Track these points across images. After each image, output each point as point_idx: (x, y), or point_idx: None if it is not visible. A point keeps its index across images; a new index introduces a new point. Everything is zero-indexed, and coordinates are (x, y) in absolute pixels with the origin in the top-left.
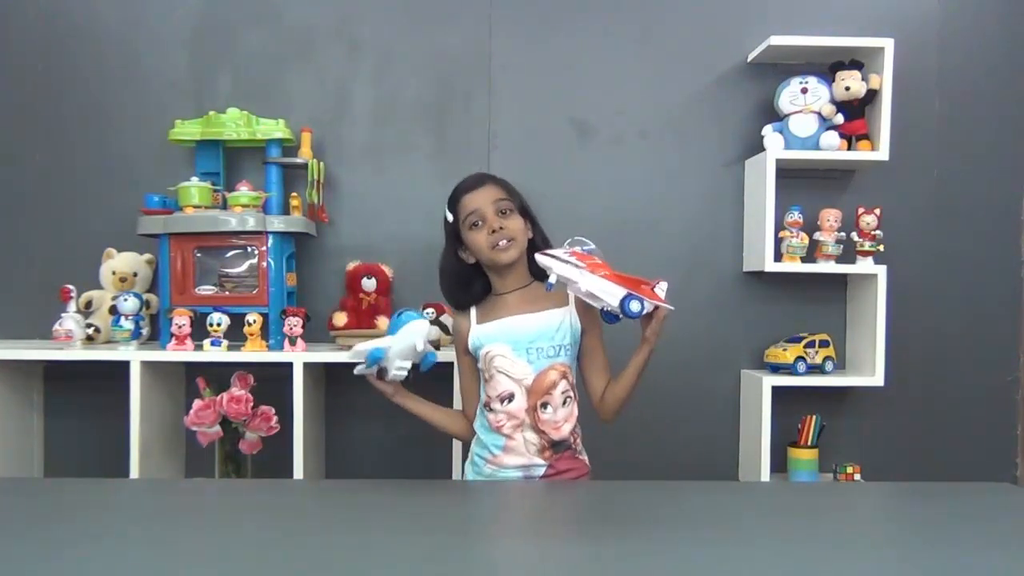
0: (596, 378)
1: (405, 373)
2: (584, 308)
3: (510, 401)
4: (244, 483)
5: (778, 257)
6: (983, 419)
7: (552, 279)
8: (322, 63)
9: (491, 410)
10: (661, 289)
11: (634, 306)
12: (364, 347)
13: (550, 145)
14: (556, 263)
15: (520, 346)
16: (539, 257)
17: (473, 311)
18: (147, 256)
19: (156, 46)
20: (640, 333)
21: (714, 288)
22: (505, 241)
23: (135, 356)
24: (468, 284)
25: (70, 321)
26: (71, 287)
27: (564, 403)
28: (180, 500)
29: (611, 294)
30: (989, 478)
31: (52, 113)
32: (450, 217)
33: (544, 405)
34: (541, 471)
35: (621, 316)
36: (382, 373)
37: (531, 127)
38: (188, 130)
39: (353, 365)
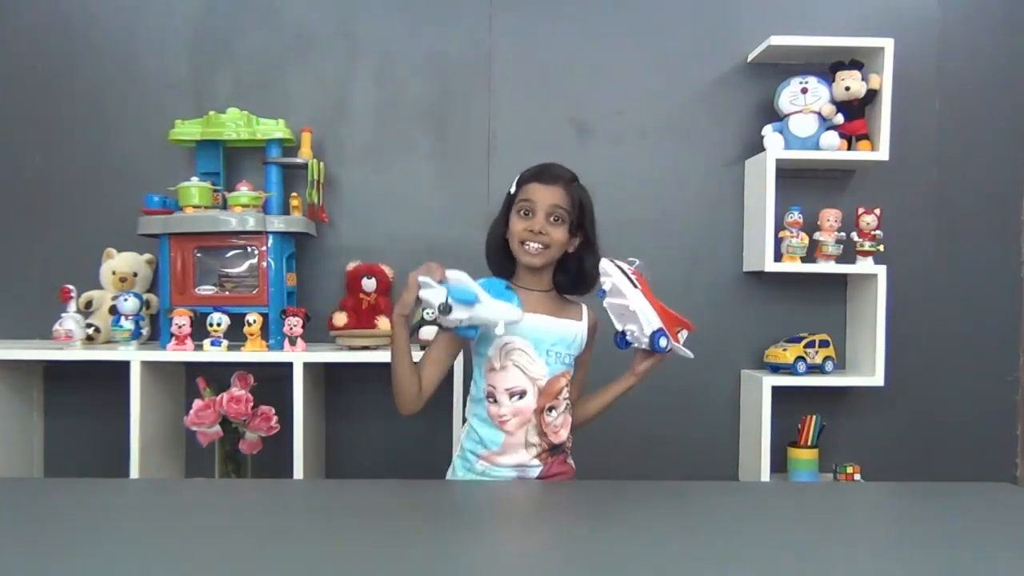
0: (571, 392)
1: (454, 326)
2: (589, 328)
3: (521, 398)
4: (244, 483)
5: (778, 257)
6: (983, 419)
7: (607, 286)
8: (322, 63)
9: (495, 402)
10: (683, 335)
11: (662, 342)
12: (465, 281)
13: (550, 145)
14: (617, 273)
15: (542, 346)
16: (604, 262)
17: None
18: (147, 256)
19: (156, 46)
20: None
21: (714, 288)
22: (538, 246)
23: (135, 356)
24: (503, 258)
25: (70, 321)
26: (71, 287)
27: (565, 409)
28: (180, 500)
29: (649, 322)
30: (989, 478)
31: (52, 113)
32: (512, 189)
33: (551, 408)
34: (536, 472)
35: (637, 346)
36: (445, 308)
37: (531, 127)
38: (188, 130)
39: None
